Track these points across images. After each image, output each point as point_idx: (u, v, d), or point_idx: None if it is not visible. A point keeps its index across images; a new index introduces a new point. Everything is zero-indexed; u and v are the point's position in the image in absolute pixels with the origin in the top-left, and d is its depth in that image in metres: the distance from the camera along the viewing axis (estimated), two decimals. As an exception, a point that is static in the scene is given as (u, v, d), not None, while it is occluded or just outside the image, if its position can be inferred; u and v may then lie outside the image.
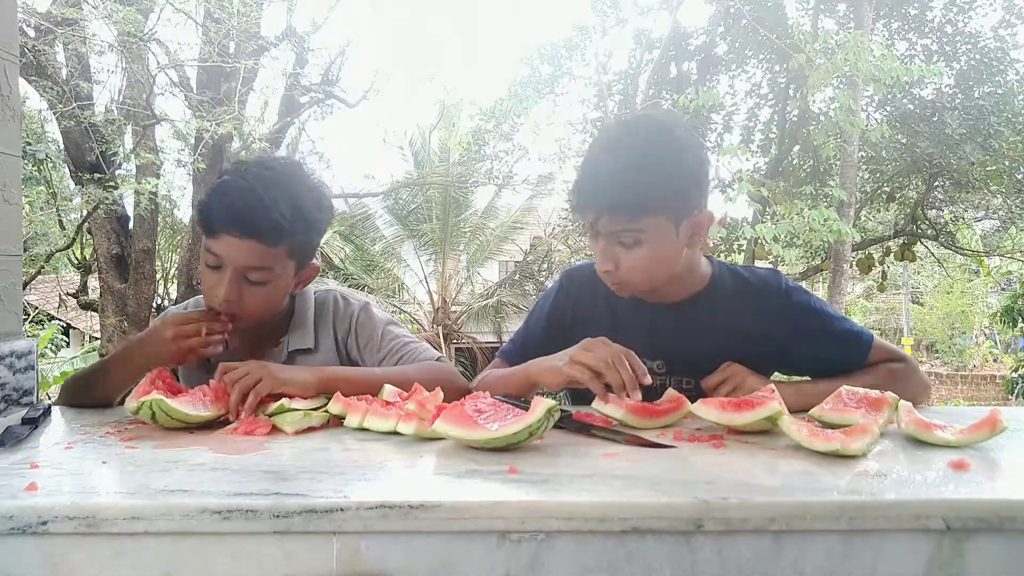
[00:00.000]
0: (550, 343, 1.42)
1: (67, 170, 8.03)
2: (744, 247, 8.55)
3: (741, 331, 1.40)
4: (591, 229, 1.34)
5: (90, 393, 1.38)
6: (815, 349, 1.42)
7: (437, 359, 1.47)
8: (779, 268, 8.07)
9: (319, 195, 1.41)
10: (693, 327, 1.42)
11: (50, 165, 8.53)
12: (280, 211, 1.30)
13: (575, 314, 1.52)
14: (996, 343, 18.64)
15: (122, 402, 1.37)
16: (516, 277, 14.48)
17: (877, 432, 0.99)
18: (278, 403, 1.16)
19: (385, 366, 1.46)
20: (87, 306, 9.74)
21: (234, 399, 1.17)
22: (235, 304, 1.33)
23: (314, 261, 1.47)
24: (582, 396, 1.57)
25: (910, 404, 1.11)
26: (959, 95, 9.66)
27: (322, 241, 1.51)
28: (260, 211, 1.29)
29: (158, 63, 7.75)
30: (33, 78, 6.80)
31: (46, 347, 9.94)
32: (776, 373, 1.53)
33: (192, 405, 1.14)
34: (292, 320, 1.51)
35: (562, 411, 1.07)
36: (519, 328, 1.63)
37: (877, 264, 11.50)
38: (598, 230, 1.32)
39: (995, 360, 18.14)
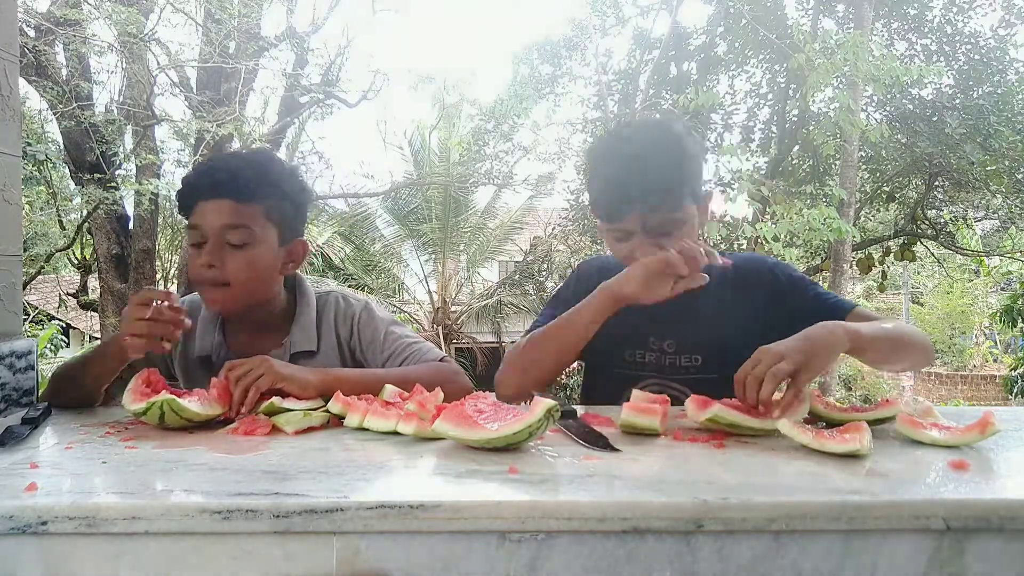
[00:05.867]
0: None
1: (67, 170, 8.03)
2: (744, 246, 8.54)
3: (737, 307, 1.48)
4: (624, 231, 1.37)
5: (73, 388, 1.34)
6: (799, 315, 1.44)
7: (440, 359, 1.47)
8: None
9: (290, 169, 1.49)
10: (696, 307, 1.46)
11: (50, 165, 8.53)
12: (247, 172, 1.39)
13: None
14: (996, 343, 18.61)
15: (105, 402, 1.35)
16: (516, 277, 14.48)
17: (866, 425, 1.00)
18: (268, 402, 1.15)
19: (389, 367, 1.46)
20: (87, 306, 9.75)
21: (237, 396, 1.18)
22: (218, 270, 1.36)
23: (302, 238, 1.50)
24: (588, 396, 1.58)
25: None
26: (959, 95, 9.66)
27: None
28: (227, 172, 1.39)
29: (158, 63, 7.76)
30: (33, 78, 6.80)
31: (46, 347, 9.94)
32: None
33: (200, 404, 1.14)
34: (295, 320, 1.50)
35: (562, 411, 1.07)
36: (542, 312, 1.62)
37: (877, 264, 11.49)
38: (641, 227, 1.35)
39: (995, 360, 18.10)
